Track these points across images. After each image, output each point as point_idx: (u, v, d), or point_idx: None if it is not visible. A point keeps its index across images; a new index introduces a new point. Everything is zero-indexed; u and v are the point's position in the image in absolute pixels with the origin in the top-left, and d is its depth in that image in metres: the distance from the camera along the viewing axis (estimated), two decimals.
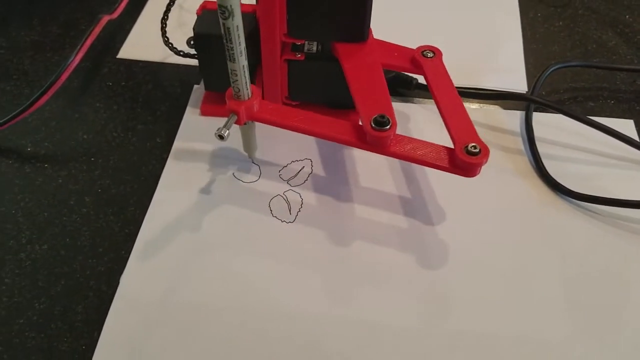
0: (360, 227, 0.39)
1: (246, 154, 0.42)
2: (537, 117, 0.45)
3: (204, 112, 0.45)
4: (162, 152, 0.43)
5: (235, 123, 0.36)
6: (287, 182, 0.41)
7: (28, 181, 0.41)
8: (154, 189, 0.41)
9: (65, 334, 0.34)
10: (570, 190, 0.40)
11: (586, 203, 0.40)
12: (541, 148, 0.43)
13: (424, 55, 0.40)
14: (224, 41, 0.31)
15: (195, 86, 0.48)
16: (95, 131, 0.45)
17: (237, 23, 0.30)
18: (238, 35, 0.31)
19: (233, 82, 0.34)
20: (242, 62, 0.33)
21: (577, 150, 0.43)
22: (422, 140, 0.35)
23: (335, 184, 0.41)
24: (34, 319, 0.34)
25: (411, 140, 0.35)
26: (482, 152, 0.33)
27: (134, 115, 0.46)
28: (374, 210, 0.40)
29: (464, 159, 0.33)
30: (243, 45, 0.32)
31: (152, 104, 0.47)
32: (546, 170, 0.41)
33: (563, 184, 0.40)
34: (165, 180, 0.41)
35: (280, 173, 0.42)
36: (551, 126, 0.45)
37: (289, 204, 0.40)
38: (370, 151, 0.35)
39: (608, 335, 0.34)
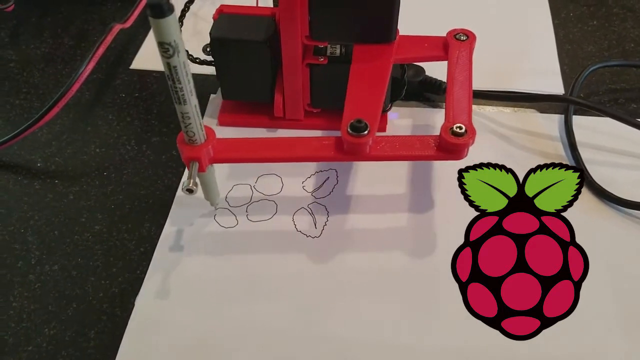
0: (395, 241, 0.36)
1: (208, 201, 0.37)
2: (576, 121, 0.42)
3: (222, 122, 0.43)
4: (179, 165, 0.41)
5: (198, 171, 0.32)
6: (312, 194, 0.39)
7: (37, 198, 0.39)
8: (170, 204, 0.38)
9: None
10: (620, 197, 0.37)
11: (637, 211, 0.37)
12: (583, 153, 0.40)
13: (456, 39, 0.39)
14: (170, 82, 0.28)
15: (212, 95, 0.45)
16: (108, 144, 0.43)
17: (183, 59, 0.27)
18: (186, 72, 0.27)
19: (186, 127, 0.30)
20: (193, 102, 0.29)
21: (624, 155, 0.40)
22: (403, 135, 0.34)
23: (363, 195, 0.38)
24: (44, 346, 0.32)
25: (391, 138, 0.34)
26: (468, 133, 0.32)
27: (148, 127, 0.44)
28: (410, 220, 0.37)
29: (449, 139, 0.32)
30: (192, 82, 0.28)
31: (167, 116, 0.45)
32: (591, 177, 0.38)
33: (611, 191, 0.37)
34: (182, 195, 0.39)
35: (303, 184, 0.39)
36: (592, 130, 0.42)
37: (314, 218, 0.37)
38: (351, 161, 0.33)
39: None
